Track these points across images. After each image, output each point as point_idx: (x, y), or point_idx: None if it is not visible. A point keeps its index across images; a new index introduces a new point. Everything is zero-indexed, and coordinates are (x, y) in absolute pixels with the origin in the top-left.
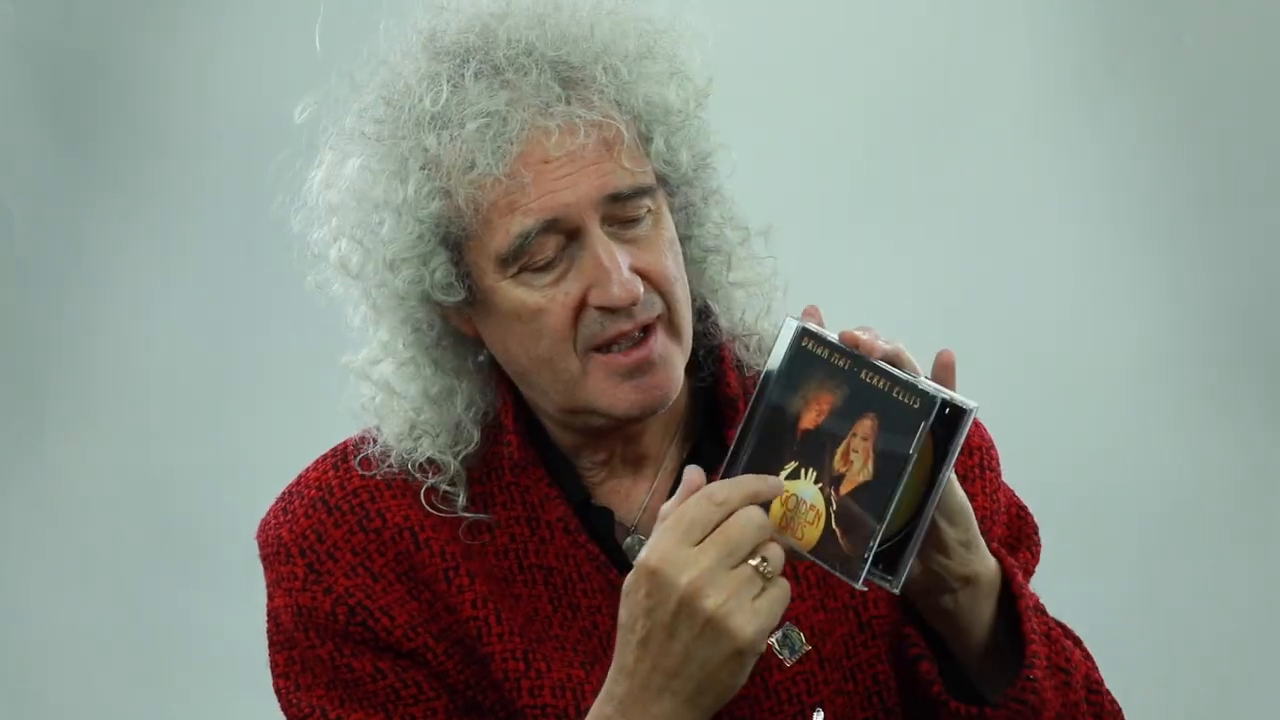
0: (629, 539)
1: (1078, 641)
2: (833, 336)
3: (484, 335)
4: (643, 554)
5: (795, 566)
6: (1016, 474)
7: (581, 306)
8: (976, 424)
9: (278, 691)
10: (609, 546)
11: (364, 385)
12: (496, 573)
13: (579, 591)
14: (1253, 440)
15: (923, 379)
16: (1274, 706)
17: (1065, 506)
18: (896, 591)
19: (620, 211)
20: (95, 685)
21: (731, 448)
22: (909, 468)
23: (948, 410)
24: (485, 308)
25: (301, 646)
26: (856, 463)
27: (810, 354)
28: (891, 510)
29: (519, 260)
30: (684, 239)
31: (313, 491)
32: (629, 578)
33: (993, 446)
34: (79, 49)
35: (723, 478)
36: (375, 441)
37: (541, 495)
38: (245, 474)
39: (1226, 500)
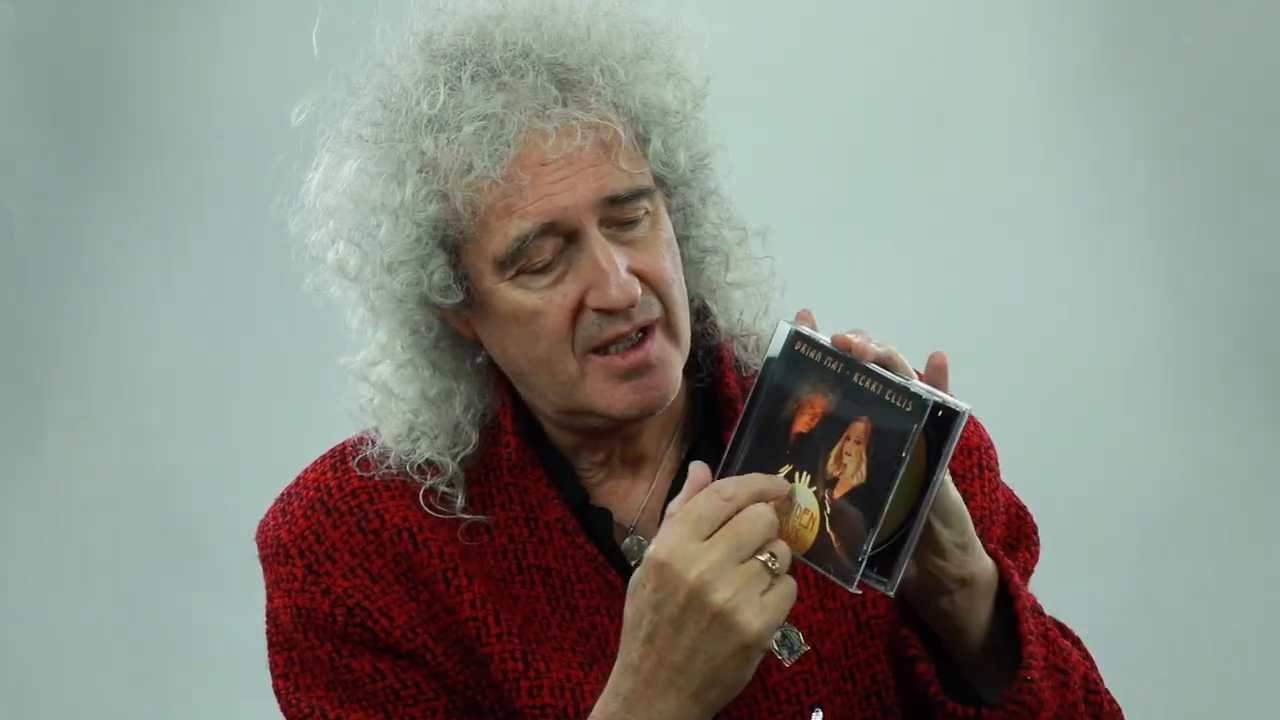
0: (627, 540)
1: (1076, 641)
2: (825, 340)
3: (482, 337)
4: (651, 548)
5: (794, 567)
6: (1016, 474)
7: (579, 308)
8: (975, 423)
9: (277, 692)
10: (607, 547)
11: (362, 387)
12: (495, 573)
13: (577, 592)
14: (1253, 440)
15: (915, 382)
16: (1274, 706)
17: (1065, 506)
18: (891, 594)
19: (618, 213)
20: (95, 685)
21: (726, 452)
22: (902, 471)
23: (940, 413)
24: (483, 310)
25: (301, 647)
26: (850, 466)
27: (803, 358)
28: (885, 513)
29: (517, 263)
30: (682, 239)
31: (311, 493)
32: (635, 574)
33: (991, 446)
34: (79, 49)
35: None
36: (374, 443)
37: (540, 496)
38: (245, 474)
39: (1226, 500)
